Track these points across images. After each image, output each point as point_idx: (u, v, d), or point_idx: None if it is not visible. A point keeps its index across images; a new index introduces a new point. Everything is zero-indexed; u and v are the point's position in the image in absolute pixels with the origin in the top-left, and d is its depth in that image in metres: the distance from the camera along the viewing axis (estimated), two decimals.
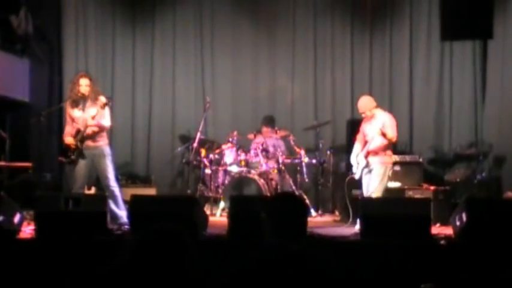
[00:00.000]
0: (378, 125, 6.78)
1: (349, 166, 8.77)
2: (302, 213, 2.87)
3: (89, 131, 6.77)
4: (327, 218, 8.31)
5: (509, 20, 8.77)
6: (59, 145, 7.78)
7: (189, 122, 9.50)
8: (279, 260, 1.67)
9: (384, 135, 6.72)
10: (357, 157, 7.04)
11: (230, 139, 8.49)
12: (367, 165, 6.91)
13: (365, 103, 7.00)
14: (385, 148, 6.92)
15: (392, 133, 6.83)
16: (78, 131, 6.80)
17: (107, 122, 6.91)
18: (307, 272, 1.66)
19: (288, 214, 2.74)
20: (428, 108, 9.34)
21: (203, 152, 8.55)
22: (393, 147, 7.21)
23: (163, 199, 7.08)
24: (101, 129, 6.88)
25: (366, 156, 6.91)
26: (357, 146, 7.14)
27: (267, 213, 2.76)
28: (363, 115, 7.01)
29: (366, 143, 6.96)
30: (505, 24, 8.72)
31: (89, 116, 6.78)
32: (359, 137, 7.18)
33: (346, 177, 8.43)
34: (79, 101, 6.85)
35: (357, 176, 7.08)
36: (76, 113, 6.86)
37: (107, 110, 6.90)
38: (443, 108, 9.30)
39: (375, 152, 6.89)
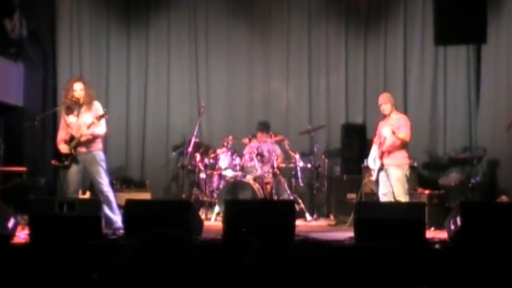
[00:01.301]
0: (391, 125, 6.98)
1: (344, 170, 8.81)
2: (285, 220, 2.80)
3: (84, 138, 6.76)
4: (322, 222, 8.31)
5: (503, 24, 8.80)
6: (53, 149, 7.75)
7: (184, 126, 9.48)
8: (268, 267, 1.67)
9: (393, 133, 6.87)
10: (374, 160, 7.15)
11: (225, 143, 8.48)
12: (382, 167, 7.01)
13: (384, 96, 7.34)
14: (399, 147, 7.02)
15: (404, 133, 6.98)
16: (71, 138, 6.78)
17: (101, 129, 6.87)
18: (296, 278, 1.66)
19: (267, 223, 2.69)
20: (423, 113, 9.36)
21: (198, 156, 8.54)
22: None
23: (158, 203, 7.06)
24: (95, 137, 6.87)
25: (381, 157, 7.01)
26: (374, 148, 7.25)
27: (248, 225, 2.71)
28: (381, 107, 7.20)
29: (381, 144, 7.10)
30: (498, 29, 8.75)
31: (83, 122, 6.76)
32: (376, 139, 7.29)
33: (341, 181, 8.47)
34: (74, 106, 6.83)
35: (373, 178, 7.19)
36: (71, 118, 6.84)
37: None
38: (437, 113, 9.34)
39: (389, 152, 7.00)
